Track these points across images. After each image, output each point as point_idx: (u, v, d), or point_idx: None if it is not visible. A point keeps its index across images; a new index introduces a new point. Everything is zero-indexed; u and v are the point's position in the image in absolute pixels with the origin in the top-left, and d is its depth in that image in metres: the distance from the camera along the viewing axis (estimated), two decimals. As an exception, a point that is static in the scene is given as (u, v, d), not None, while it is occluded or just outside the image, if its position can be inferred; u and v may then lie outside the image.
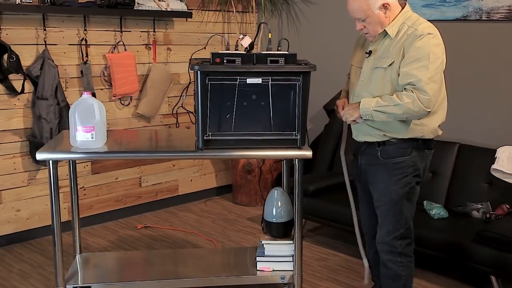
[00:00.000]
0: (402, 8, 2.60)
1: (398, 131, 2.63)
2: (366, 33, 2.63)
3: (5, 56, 3.77)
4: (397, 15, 2.58)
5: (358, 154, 2.84)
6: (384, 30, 2.58)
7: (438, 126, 2.69)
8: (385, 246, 2.75)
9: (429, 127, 2.65)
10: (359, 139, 2.76)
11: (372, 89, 2.63)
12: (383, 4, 2.53)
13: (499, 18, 3.83)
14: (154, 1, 4.49)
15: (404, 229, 2.72)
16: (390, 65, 2.55)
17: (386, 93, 2.58)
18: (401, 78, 2.53)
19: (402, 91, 2.53)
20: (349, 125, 2.83)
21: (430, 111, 2.53)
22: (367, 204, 2.89)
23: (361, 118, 2.61)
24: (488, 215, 3.50)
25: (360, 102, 2.61)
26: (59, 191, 2.78)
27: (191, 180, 5.07)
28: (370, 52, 2.65)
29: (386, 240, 2.74)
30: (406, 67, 2.51)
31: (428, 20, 2.62)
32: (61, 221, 2.78)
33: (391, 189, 2.68)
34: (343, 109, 2.71)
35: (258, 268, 3.01)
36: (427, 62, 2.49)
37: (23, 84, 3.88)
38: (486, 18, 3.90)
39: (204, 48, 3.12)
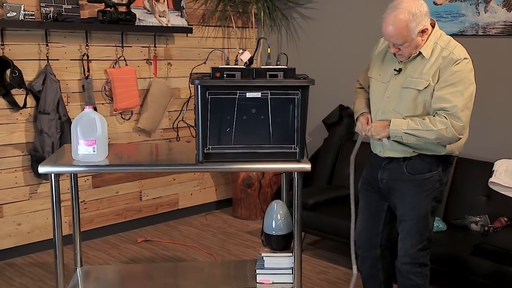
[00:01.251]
0: (433, 27, 2.59)
1: (432, 149, 2.64)
2: (400, 54, 2.59)
3: (8, 71, 3.82)
4: (429, 35, 2.57)
5: (375, 168, 2.79)
6: (419, 51, 2.56)
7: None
8: (407, 258, 2.75)
9: (458, 145, 2.68)
10: (384, 155, 2.74)
11: (402, 109, 2.61)
12: (422, 30, 2.50)
13: (495, 33, 3.88)
14: (155, 17, 4.55)
15: (427, 241, 2.74)
16: (426, 87, 2.54)
17: (417, 114, 2.58)
18: (435, 102, 2.54)
19: (433, 114, 2.54)
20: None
21: (461, 138, 2.57)
22: (371, 217, 2.89)
23: (388, 138, 2.60)
24: (486, 228, 3.52)
25: (389, 122, 2.58)
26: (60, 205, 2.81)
27: (191, 194, 5.09)
28: (399, 70, 2.63)
29: (410, 252, 2.73)
30: (440, 91, 2.52)
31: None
32: (62, 234, 2.80)
33: (419, 205, 2.69)
34: (367, 125, 2.68)
35: (258, 281, 3.02)
36: (463, 88, 2.51)
37: (25, 99, 3.92)
38: (482, 33, 3.95)
39: (204, 63, 3.16)
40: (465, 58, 2.54)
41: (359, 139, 2.84)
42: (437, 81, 2.54)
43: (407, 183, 2.69)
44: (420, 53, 2.57)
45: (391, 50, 2.59)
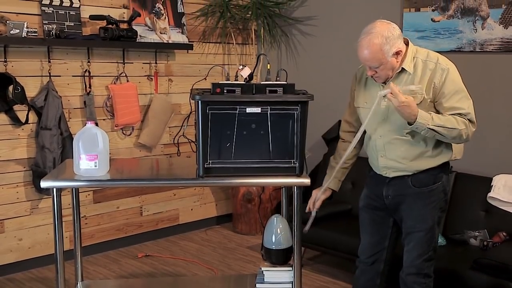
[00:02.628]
0: (407, 45, 2.63)
1: (437, 159, 2.70)
2: (377, 77, 2.63)
3: (10, 88, 3.85)
4: (406, 52, 2.61)
5: (379, 186, 2.80)
6: (402, 68, 2.60)
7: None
8: (413, 268, 2.77)
9: (459, 147, 2.74)
10: (390, 175, 2.75)
11: (401, 127, 2.63)
12: (396, 52, 2.55)
13: (492, 49, 3.93)
14: (156, 33, 4.60)
15: (433, 251, 2.77)
16: (420, 102, 2.57)
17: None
18: (447, 111, 2.58)
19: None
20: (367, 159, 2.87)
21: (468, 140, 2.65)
22: (377, 232, 2.89)
23: (410, 124, 2.54)
24: (485, 243, 3.53)
25: (416, 109, 2.51)
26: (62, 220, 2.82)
27: (191, 209, 5.11)
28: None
29: (416, 263, 2.76)
30: (449, 102, 2.58)
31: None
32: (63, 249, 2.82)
33: (427, 216, 2.72)
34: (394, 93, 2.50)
35: (257, 295, 3.03)
36: (464, 94, 2.61)
37: (27, 115, 3.95)
38: (479, 50, 3.99)
39: (205, 79, 3.20)
40: (450, 66, 2.62)
41: (312, 215, 2.89)
42: (432, 93, 2.58)
43: (413, 196, 2.71)
44: (402, 69, 2.61)
45: (368, 73, 2.62)
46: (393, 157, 2.71)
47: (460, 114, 2.58)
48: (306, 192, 2.91)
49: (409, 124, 2.55)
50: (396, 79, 2.63)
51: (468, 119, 2.59)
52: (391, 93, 2.49)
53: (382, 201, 2.82)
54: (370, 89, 2.75)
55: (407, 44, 2.65)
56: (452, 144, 2.71)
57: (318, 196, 2.91)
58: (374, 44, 2.51)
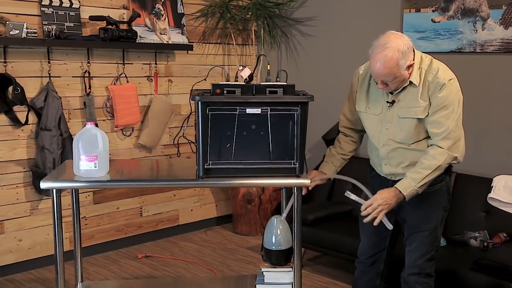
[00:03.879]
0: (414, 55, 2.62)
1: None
2: (387, 88, 2.61)
3: (10, 88, 3.85)
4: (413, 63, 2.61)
5: (382, 186, 2.77)
6: (409, 81, 2.59)
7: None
8: (415, 268, 2.78)
9: (461, 152, 2.71)
10: (396, 178, 2.74)
11: (405, 138, 2.64)
12: (409, 65, 2.54)
13: (492, 50, 3.93)
14: (156, 34, 4.60)
15: (435, 251, 2.79)
16: (427, 115, 2.59)
17: (421, 139, 2.64)
18: (429, 126, 2.59)
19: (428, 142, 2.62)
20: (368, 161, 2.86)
21: (458, 156, 2.63)
22: (378, 233, 2.88)
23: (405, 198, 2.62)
24: (485, 244, 3.53)
25: (396, 191, 2.59)
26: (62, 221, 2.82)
27: (191, 210, 5.11)
28: (392, 102, 2.66)
29: (418, 262, 2.76)
30: (433, 116, 2.57)
31: (423, 53, 2.68)
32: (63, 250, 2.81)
33: (432, 216, 2.74)
34: (368, 207, 2.63)
35: (258, 296, 3.03)
36: (452, 108, 2.57)
37: (27, 116, 3.94)
38: (480, 51, 3.99)
39: (205, 79, 3.20)
40: (449, 80, 2.58)
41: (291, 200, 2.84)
42: (430, 105, 2.58)
43: (417, 197, 2.70)
44: (410, 82, 2.60)
45: (379, 86, 2.61)
46: (398, 164, 2.72)
47: (437, 135, 2.56)
48: (306, 193, 2.90)
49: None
50: (402, 92, 2.63)
51: (443, 137, 2.56)
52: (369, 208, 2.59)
53: None
54: (374, 96, 2.73)
55: (413, 51, 2.62)
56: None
57: (314, 180, 2.85)
58: (390, 59, 2.48)
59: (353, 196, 2.65)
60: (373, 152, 2.82)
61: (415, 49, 2.63)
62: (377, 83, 2.62)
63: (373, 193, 2.83)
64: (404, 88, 2.62)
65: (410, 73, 2.58)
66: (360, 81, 2.80)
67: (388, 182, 2.77)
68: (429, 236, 2.75)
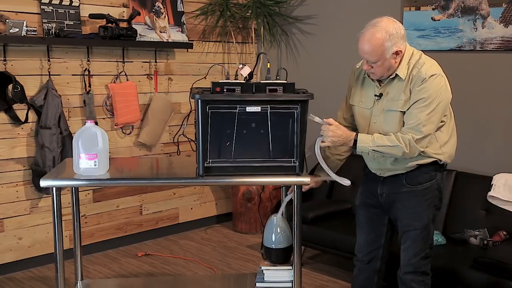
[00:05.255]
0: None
1: (428, 158, 2.69)
2: (372, 73, 2.63)
3: (10, 87, 3.85)
4: (403, 56, 2.61)
5: (374, 183, 2.82)
6: (396, 73, 2.61)
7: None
8: (410, 267, 2.78)
9: (448, 153, 2.73)
10: (384, 175, 2.77)
11: (389, 130, 2.64)
12: (396, 51, 2.55)
13: (492, 48, 3.92)
14: (156, 32, 4.59)
15: (429, 249, 2.78)
16: (408, 109, 2.59)
17: None
18: (405, 118, 2.60)
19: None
20: (361, 157, 2.86)
21: (422, 151, 2.61)
22: (373, 231, 2.90)
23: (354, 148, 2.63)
24: (485, 242, 3.53)
25: (352, 136, 2.61)
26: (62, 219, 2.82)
27: (191, 208, 5.11)
28: (380, 95, 2.67)
29: (413, 261, 2.77)
30: (411, 109, 2.57)
31: (423, 51, 2.69)
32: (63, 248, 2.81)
33: (422, 214, 2.73)
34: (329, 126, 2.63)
35: (257, 294, 3.03)
36: (428, 103, 2.55)
37: (27, 114, 3.94)
38: (480, 49, 3.99)
39: (205, 77, 3.20)
40: (432, 75, 2.57)
41: (288, 196, 2.86)
42: (410, 98, 2.59)
43: (408, 195, 2.72)
44: (396, 75, 2.61)
45: (364, 67, 2.62)
46: (384, 161, 2.72)
47: (408, 125, 2.56)
48: (306, 191, 2.90)
49: (353, 147, 2.61)
50: (389, 84, 2.64)
51: (411, 128, 2.55)
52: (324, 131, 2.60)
53: (376, 198, 2.83)
54: (367, 90, 2.76)
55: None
56: (441, 148, 2.69)
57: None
58: (376, 38, 2.50)
59: (316, 119, 2.64)
60: None
61: (408, 45, 2.65)
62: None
63: (364, 190, 2.89)
64: (392, 81, 2.63)
65: (398, 64, 2.59)
66: (356, 75, 2.82)
67: (379, 179, 2.79)
68: (421, 234, 2.74)
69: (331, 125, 2.63)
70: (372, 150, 2.59)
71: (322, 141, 2.67)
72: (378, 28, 2.51)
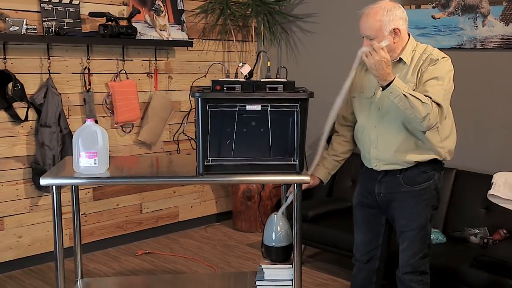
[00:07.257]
0: (409, 38, 2.67)
1: (426, 155, 2.67)
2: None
3: (10, 85, 3.85)
4: (407, 44, 2.65)
5: (371, 182, 2.80)
6: (400, 57, 2.63)
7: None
8: (409, 267, 2.77)
9: (448, 149, 2.72)
10: (380, 169, 2.75)
11: (395, 117, 2.62)
12: (394, 29, 2.57)
13: (493, 46, 3.92)
14: (156, 30, 4.59)
15: (427, 248, 2.78)
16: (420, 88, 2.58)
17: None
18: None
19: None
20: (359, 155, 2.86)
21: (436, 126, 2.56)
22: (370, 231, 2.90)
23: (383, 88, 2.54)
24: (485, 240, 3.53)
25: (392, 74, 2.50)
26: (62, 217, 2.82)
27: (191, 207, 5.11)
28: None
29: (411, 261, 2.76)
30: (423, 87, 2.56)
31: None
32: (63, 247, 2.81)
33: (420, 215, 2.72)
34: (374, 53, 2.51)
35: (257, 293, 3.03)
36: (442, 81, 2.56)
37: (27, 112, 3.94)
38: (480, 47, 3.98)
39: (205, 76, 3.20)
40: (443, 57, 2.61)
41: (290, 197, 2.86)
42: (417, 79, 2.59)
43: (405, 195, 2.71)
44: (400, 59, 2.64)
45: (364, 44, 2.59)
46: (385, 149, 2.70)
47: (428, 95, 2.52)
48: (306, 189, 2.90)
49: (384, 88, 2.52)
50: (394, 68, 2.62)
51: (434, 100, 2.50)
52: (373, 49, 2.49)
53: (374, 198, 2.82)
54: (368, 80, 2.75)
55: (409, 37, 2.68)
56: (442, 142, 2.68)
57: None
58: (375, 13, 2.57)
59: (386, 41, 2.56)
60: (362, 139, 2.80)
61: (413, 37, 2.68)
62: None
63: (361, 190, 2.88)
64: (395, 65, 2.64)
65: (400, 49, 2.61)
66: (360, 67, 2.79)
67: (376, 177, 2.77)
68: (419, 234, 2.74)
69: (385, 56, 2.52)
70: (404, 95, 2.47)
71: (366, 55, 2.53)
72: (377, 5, 2.60)
